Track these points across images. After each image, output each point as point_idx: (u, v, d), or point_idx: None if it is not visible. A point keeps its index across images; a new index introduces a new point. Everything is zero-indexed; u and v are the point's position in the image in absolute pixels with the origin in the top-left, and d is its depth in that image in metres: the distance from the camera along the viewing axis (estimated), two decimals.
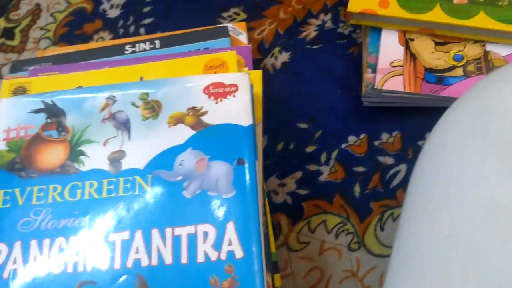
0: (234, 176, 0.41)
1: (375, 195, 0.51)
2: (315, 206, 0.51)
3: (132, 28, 0.67)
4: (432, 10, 0.52)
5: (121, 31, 0.67)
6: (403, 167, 0.52)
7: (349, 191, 0.51)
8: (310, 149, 0.54)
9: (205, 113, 0.44)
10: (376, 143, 0.53)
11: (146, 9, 0.68)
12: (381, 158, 0.52)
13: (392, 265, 0.32)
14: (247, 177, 0.41)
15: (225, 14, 0.66)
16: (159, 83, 0.46)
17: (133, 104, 0.45)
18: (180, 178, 0.41)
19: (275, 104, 0.58)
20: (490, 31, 0.51)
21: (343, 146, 0.54)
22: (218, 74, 0.46)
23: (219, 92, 0.45)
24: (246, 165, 0.41)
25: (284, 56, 0.61)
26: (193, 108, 0.44)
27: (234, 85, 0.45)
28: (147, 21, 0.67)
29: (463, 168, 0.30)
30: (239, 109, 0.44)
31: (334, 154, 0.54)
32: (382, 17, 0.53)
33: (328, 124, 0.56)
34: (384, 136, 0.54)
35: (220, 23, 0.65)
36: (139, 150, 0.43)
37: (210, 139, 0.43)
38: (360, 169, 0.52)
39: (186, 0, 0.68)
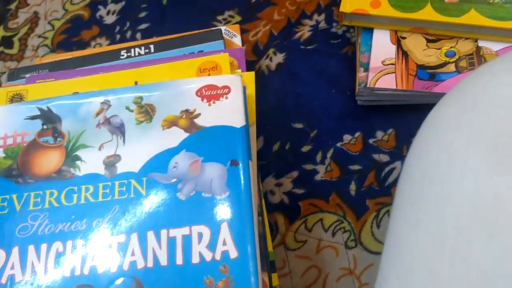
0: (228, 177, 0.41)
1: (371, 192, 0.51)
2: (312, 205, 0.51)
3: (128, 34, 0.67)
4: (423, 9, 0.52)
5: (118, 36, 0.67)
6: (398, 164, 0.52)
7: (345, 189, 0.52)
8: (305, 148, 0.55)
9: (198, 115, 0.45)
10: (371, 141, 0.54)
11: (142, 14, 0.69)
12: (376, 156, 0.53)
13: (383, 263, 0.32)
14: (241, 177, 0.41)
15: (219, 17, 0.66)
16: (153, 87, 0.47)
17: (127, 108, 0.46)
18: (174, 180, 0.42)
19: (270, 105, 0.58)
20: (482, 28, 0.51)
21: (338, 145, 0.54)
22: (211, 77, 0.47)
23: (212, 94, 0.45)
24: (240, 166, 0.42)
25: (279, 57, 0.61)
26: (186, 111, 0.45)
27: (227, 87, 0.45)
28: (143, 26, 0.68)
29: (448, 165, 0.30)
30: (231, 110, 0.44)
31: (329, 153, 0.54)
32: (374, 16, 0.53)
33: (323, 124, 0.56)
34: (379, 134, 0.54)
35: (215, 26, 0.65)
36: (134, 154, 0.44)
37: (204, 141, 0.43)
38: (355, 167, 0.53)
39: (181, 5, 0.69)
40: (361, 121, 0.55)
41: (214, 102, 0.45)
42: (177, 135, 0.44)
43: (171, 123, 0.45)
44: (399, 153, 0.52)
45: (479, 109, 0.31)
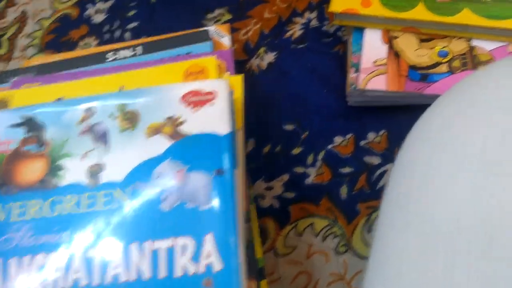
0: (213, 186, 0.40)
1: (362, 196, 0.50)
2: (302, 209, 0.51)
3: (117, 33, 0.66)
4: (415, 8, 0.51)
5: (107, 36, 0.66)
6: (389, 167, 0.51)
7: (336, 192, 0.51)
8: (296, 151, 0.54)
9: (183, 122, 0.44)
10: (363, 143, 0.53)
11: (131, 13, 0.68)
12: (367, 158, 0.52)
13: (368, 269, 0.32)
14: (226, 187, 0.40)
15: (210, 16, 0.65)
16: (137, 93, 0.46)
17: (111, 115, 0.45)
18: (158, 190, 0.41)
19: (261, 106, 0.57)
20: (475, 27, 0.50)
21: (329, 147, 0.53)
22: (196, 82, 0.46)
23: (197, 100, 0.44)
24: (225, 174, 0.41)
25: (270, 56, 0.60)
26: (171, 118, 0.44)
27: (212, 92, 0.44)
28: (132, 25, 0.66)
29: (440, 166, 0.29)
30: (217, 117, 0.43)
31: (320, 156, 0.53)
32: (365, 16, 0.52)
33: (314, 125, 0.55)
34: (371, 136, 0.53)
35: (205, 25, 0.64)
36: (118, 163, 0.43)
37: (188, 149, 0.42)
38: (347, 170, 0.52)
39: (170, 3, 0.67)
40: (353, 122, 0.54)
41: (199, 109, 0.44)
42: (162, 143, 0.43)
43: (155, 130, 0.44)
44: (390, 156, 0.51)
45: (467, 123, 0.30)
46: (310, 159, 0.53)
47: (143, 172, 0.42)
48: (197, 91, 0.45)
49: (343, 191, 0.51)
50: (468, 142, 0.29)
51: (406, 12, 0.51)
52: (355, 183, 0.51)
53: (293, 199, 0.51)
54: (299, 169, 0.53)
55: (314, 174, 0.52)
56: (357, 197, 0.50)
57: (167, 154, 0.42)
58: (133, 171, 0.42)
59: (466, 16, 0.50)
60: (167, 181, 0.41)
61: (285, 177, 0.52)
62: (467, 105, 0.30)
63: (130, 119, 0.45)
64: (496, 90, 0.30)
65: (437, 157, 0.30)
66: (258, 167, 0.53)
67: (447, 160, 0.29)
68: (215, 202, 0.40)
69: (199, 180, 0.41)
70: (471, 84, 0.32)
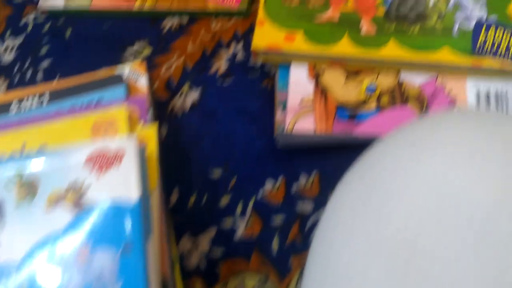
0: (120, 265, 0.36)
1: (295, 249, 0.47)
2: (232, 266, 0.47)
3: (29, 73, 0.61)
4: (340, 42, 0.48)
5: (17, 77, 0.61)
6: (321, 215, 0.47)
7: (267, 246, 0.47)
8: (225, 200, 0.50)
9: (87, 190, 0.39)
10: (294, 188, 0.49)
11: (44, 49, 0.62)
12: (299, 205, 0.48)
13: None
14: (135, 264, 0.36)
15: (129, 50, 0.60)
16: (36, 157, 0.41)
17: (7, 184, 0.40)
18: (60, 273, 0.36)
19: (185, 150, 0.53)
20: (402, 61, 0.47)
21: (259, 194, 0.49)
22: (101, 141, 0.41)
23: (102, 163, 0.40)
24: (134, 250, 0.37)
25: (194, 95, 0.56)
26: (74, 185, 0.39)
27: (119, 152, 0.40)
28: (45, 63, 0.61)
29: (349, 269, 0.26)
30: (124, 181, 0.39)
31: (250, 204, 0.49)
32: (289, 52, 0.49)
33: (242, 170, 0.51)
34: (302, 180, 0.49)
35: (124, 60, 0.59)
36: (15, 240, 0.38)
37: (93, 221, 0.38)
38: (278, 219, 0.48)
39: (86, 37, 0.62)
40: (283, 165, 0.51)
41: (104, 173, 0.39)
42: (63, 216, 0.38)
43: (56, 200, 0.39)
44: (323, 201, 0.48)
45: (383, 198, 0.27)
46: (239, 208, 0.49)
47: (43, 250, 0.37)
48: (102, 152, 0.40)
49: (275, 244, 0.47)
50: (385, 221, 0.26)
51: (330, 47, 0.48)
52: (287, 234, 0.47)
53: (222, 256, 0.47)
54: (228, 221, 0.49)
55: (243, 225, 0.48)
56: (290, 250, 0.46)
57: (69, 228, 0.38)
58: (32, 250, 0.38)
59: (393, 49, 0.47)
60: (69, 261, 0.37)
61: (213, 230, 0.48)
62: (372, 192, 0.28)
63: (28, 187, 0.40)
64: (419, 165, 0.27)
65: (352, 235, 0.27)
66: (182, 222, 0.49)
67: (362, 243, 0.26)
68: (123, 283, 0.36)
69: (105, 259, 0.36)
70: (375, 164, 0.29)
